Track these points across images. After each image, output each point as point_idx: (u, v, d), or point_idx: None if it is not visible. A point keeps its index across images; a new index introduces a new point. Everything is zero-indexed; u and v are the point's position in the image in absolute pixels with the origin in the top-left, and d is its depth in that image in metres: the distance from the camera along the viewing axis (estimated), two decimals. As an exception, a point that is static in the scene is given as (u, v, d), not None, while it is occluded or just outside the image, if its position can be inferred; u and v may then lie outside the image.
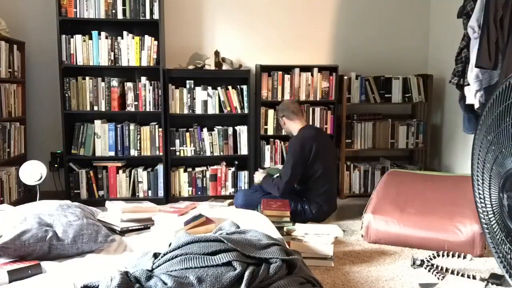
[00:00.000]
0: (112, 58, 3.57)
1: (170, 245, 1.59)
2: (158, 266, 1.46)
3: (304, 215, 3.09)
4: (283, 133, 3.84)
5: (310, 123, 3.86)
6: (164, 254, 1.49)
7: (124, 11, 3.53)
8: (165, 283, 1.32)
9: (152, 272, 1.42)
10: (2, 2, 3.70)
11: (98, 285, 1.34)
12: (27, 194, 3.64)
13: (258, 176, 3.40)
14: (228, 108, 3.77)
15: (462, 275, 2.27)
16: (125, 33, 3.57)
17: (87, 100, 3.61)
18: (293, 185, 3.15)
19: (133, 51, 3.57)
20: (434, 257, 2.54)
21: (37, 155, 3.72)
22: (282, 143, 3.88)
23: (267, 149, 3.86)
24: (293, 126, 3.29)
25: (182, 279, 1.33)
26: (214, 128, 3.84)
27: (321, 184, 3.13)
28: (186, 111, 3.74)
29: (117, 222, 2.15)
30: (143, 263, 1.54)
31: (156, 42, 3.58)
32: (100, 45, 3.54)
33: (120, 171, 3.68)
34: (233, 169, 3.86)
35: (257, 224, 2.15)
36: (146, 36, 3.57)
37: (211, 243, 1.50)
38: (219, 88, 3.75)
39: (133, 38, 3.57)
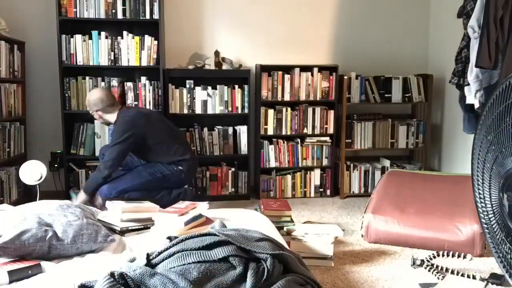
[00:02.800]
0: (112, 58, 3.57)
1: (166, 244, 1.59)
2: (156, 264, 1.45)
3: (179, 182, 3.15)
4: (283, 133, 3.86)
5: (309, 123, 3.87)
6: (160, 253, 1.48)
7: (124, 11, 3.53)
8: (166, 280, 1.31)
9: (153, 270, 1.41)
10: (2, 2, 3.70)
11: (94, 286, 1.33)
12: (27, 194, 3.64)
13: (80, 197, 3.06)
14: (230, 108, 3.78)
15: (462, 275, 2.27)
16: (125, 33, 3.57)
17: (87, 100, 3.61)
18: (118, 165, 3.06)
19: (133, 51, 3.57)
20: (434, 257, 2.54)
21: (37, 155, 3.72)
22: (285, 143, 3.89)
23: (271, 149, 3.86)
24: (111, 116, 3.14)
25: (184, 275, 1.33)
26: (214, 128, 3.84)
27: (166, 146, 3.13)
28: (186, 111, 3.74)
29: (117, 222, 2.15)
30: (138, 263, 1.53)
31: (156, 42, 3.58)
32: (100, 45, 3.54)
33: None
34: (233, 169, 3.86)
35: (257, 224, 2.15)
36: (146, 36, 3.57)
37: (205, 237, 1.50)
38: (224, 87, 3.74)
39: (133, 38, 3.57)
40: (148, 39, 3.57)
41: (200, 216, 2.13)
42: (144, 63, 3.59)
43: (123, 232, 2.10)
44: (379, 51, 4.21)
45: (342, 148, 3.94)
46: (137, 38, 3.57)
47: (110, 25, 3.66)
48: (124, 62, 3.58)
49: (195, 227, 2.06)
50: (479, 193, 2.14)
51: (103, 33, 3.54)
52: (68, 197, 3.46)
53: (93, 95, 3.13)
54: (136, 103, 3.65)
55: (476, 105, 2.87)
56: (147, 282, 1.33)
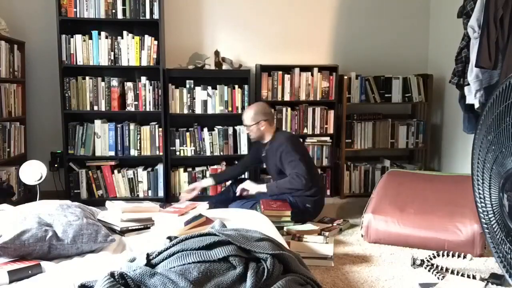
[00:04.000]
0: (112, 58, 3.57)
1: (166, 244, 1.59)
2: (156, 264, 1.45)
3: (306, 214, 3.08)
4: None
5: (309, 123, 3.87)
6: (160, 253, 1.48)
7: (124, 11, 3.53)
8: (167, 280, 1.31)
9: (153, 270, 1.42)
10: (2, 2, 3.70)
11: (94, 286, 1.33)
12: (27, 194, 3.64)
13: (250, 185, 3.21)
14: (230, 108, 3.78)
15: (462, 275, 2.27)
16: (125, 33, 3.57)
17: (87, 100, 3.61)
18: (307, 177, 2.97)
19: (133, 51, 3.57)
20: (434, 257, 2.54)
21: (37, 155, 3.71)
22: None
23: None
24: (270, 130, 3.18)
25: (184, 275, 1.33)
26: (214, 128, 3.84)
27: (315, 179, 3.09)
28: (186, 111, 3.74)
29: (117, 222, 2.15)
30: (138, 263, 1.53)
31: (156, 42, 3.58)
32: (100, 45, 3.54)
33: (116, 171, 3.68)
34: (233, 169, 3.85)
35: (257, 224, 2.15)
36: (146, 36, 3.57)
37: (205, 237, 1.50)
38: (224, 87, 3.74)
39: (133, 38, 3.57)
40: (148, 39, 3.57)
41: (200, 216, 2.13)
42: (144, 63, 3.59)
43: (123, 232, 2.10)
44: (379, 51, 4.21)
45: (342, 148, 3.94)
46: (137, 38, 3.57)
47: (110, 25, 3.66)
48: (124, 62, 3.58)
49: (195, 227, 2.06)
50: (479, 193, 2.14)
51: (103, 33, 3.54)
52: (68, 197, 3.46)
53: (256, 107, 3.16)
54: (136, 103, 3.65)
55: (476, 105, 2.87)
56: (147, 282, 1.33)
